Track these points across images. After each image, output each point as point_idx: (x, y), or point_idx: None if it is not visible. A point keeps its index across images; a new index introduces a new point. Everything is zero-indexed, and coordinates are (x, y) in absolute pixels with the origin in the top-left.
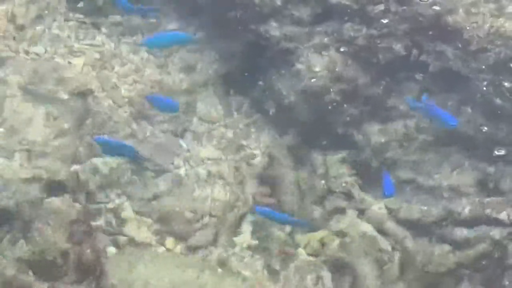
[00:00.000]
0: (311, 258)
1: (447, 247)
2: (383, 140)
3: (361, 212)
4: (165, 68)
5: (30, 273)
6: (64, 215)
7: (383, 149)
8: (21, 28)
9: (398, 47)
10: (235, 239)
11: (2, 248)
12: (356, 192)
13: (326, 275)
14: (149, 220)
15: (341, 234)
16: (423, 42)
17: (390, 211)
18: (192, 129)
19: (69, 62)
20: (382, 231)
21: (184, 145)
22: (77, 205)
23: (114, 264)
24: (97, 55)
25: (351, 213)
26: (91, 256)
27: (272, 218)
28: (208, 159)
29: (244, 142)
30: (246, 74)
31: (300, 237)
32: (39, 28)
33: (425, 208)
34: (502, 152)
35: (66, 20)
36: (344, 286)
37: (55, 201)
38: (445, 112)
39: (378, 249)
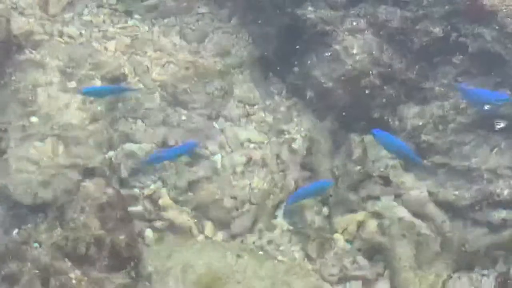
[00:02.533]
0: (348, 244)
1: (483, 229)
2: (420, 123)
3: (399, 196)
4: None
5: (66, 260)
6: (98, 202)
7: (419, 132)
8: (53, 15)
9: (436, 30)
10: (273, 221)
11: (37, 235)
12: (396, 174)
13: (363, 258)
14: (187, 208)
15: (378, 216)
16: (460, 25)
17: (430, 194)
18: (228, 113)
19: (105, 47)
20: (421, 215)
21: (219, 128)
22: (112, 190)
23: (151, 251)
24: (129, 40)
25: (388, 197)
26: (127, 243)
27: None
28: (249, 141)
29: (284, 127)
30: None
31: (338, 220)
32: (70, 14)
33: (461, 191)
34: (502, 125)
35: (99, 6)
36: (379, 268)
37: (90, 187)
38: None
39: (417, 232)
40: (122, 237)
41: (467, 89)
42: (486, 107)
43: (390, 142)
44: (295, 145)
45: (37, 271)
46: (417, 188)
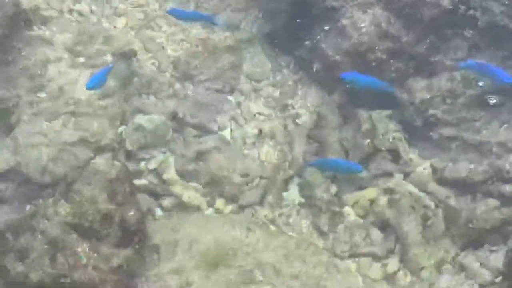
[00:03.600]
0: (359, 218)
1: (493, 203)
2: (427, 97)
3: (407, 174)
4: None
5: (74, 233)
6: (106, 176)
7: (427, 106)
8: None
9: (444, 2)
10: (284, 194)
11: (46, 210)
12: (403, 149)
13: (375, 232)
14: (195, 183)
15: (389, 191)
16: None
17: (435, 170)
18: (240, 87)
19: (114, 26)
20: (426, 192)
21: (232, 101)
22: (120, 165)
23: (158, 224)
24: (141, 15)
25: (398, 175)
26: (134, 217)
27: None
28: (259, 114)
29: (291, 101)
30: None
31: (349, 196)
32: None
33: (472, 166)
34: (494, 101)
35: None
36: (390, 242)
37: (99, 162)
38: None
39: (423, 205)
40: (131, 213)
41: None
42: (481, 83)
43: (361, 80)
44: (302, 119)
45: (46, 246)
46: (421, 165)
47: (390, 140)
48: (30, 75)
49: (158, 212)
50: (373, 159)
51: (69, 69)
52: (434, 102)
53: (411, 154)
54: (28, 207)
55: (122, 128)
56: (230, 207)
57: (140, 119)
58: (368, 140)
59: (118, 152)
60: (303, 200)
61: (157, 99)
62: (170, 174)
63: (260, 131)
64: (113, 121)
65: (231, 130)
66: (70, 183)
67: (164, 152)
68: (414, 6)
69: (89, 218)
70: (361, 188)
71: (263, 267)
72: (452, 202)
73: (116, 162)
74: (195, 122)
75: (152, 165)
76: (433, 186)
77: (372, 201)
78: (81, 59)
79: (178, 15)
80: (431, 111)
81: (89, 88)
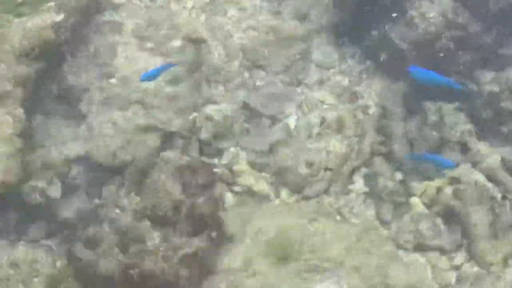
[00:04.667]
0: (426, 208)
1: None
2: (496, 90)
3: (475, 164)
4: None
5: (146, 221)
6: (178, 167)
7: (497, 99)
8: None
9: None
10: (350, 187)
11: (118, 199)
12: (473, 141)
13: (440, 222)
14: (264, 173)
15: (455, 181)
16: None
17: (504, 161)
18: (309, 77)
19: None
20: (494, 180)
21: (300, 91)
22: (192, 156)
23: (230, 215)
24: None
25: (466, 165)
26: (207, 208)
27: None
28: (324, 103)
29: (358, 90)
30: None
31: (416, 185)
32: None
33: None
34: None
35: None
36: (456, 233)
37: (169, 153)
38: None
39: (490, 197)
40: (204, 204)
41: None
42: None
43: (428, 76)
44: (369, 110)
45: (117, 236)
46: (491, 155)
47: (459, 133)
48: (100, 63)
49: (229, 200)
50: (441, 150)
51: (138, 54)
52: (503, 96)
53: (480, 145)
54: (98, 195)
55: (193, 116)
56: (294, 197)
57: (210, 109)
58: (434, 132)
59: (190, 142)
60: (367, 190)
61: (226, 90)
62: (241, 165)
63: (324, 120)
64: (182, 110)
65: (298, 119)
66: (140, 171)
67: (235, 146)
68: None
69: (162, 209)
70: (428, 178)
71: (328, 257)
72: None
73: (189, 156)
74: (265, 112)
75: (224, 158)
76: (502, 174)
77: (439, 191)
78: (149, 45)
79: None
80: (501, 104)
81: (142, 80)
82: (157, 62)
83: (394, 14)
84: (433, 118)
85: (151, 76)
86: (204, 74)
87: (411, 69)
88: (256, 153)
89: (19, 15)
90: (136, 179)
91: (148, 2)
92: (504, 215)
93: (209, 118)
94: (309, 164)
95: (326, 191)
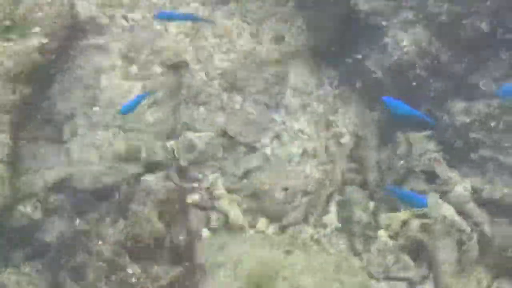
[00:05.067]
0: (392, 241)
1: None
2: (467, 120)
3: (444, 193)
4: (257, 37)
5: (126, 256)
6: (158, 195)
7: (467, 129)
8: None
9: (482, 25)
10: (324, 218)
11: (100, 229)
12: (442, 169)
13: (406, 255)
14: (240, 198)
15: (422, 215)
16: (507, 20)
17: (474, 191)
18: (285, 102)
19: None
20: (463, 213)
21: (277, 118)
22: (171, 183)
23: (206, 246)
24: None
25: (433, 194)
26: (184, 238)
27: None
28: (301, 132)
29: (333, 117)
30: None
31: (384, 217)
32: None
33: (508, 189)
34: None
35: None
36: (423, 268)
37: (150, 180)
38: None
39: (457, 229)
40: (181, 234)
41: None
42: None
43: (401, 108)
44: (343, 138)
45: (102, 264)
46: (461, 184)
47: (427, 161)
48: (84, 86)
49: (206, 231)
50: (408, 180)
51: (121, 80)
52: (473, 126)
53: (450, 173)
54: (78, 221)
55: (171, 143)
56: (272, 227)
57: (190, 136)
58: (402, 161)
59: (170, 169)
60: (340, 222)
61: (206, 114)
62: (220, 191)
63: (304, 150)
64: (163, 135)
65: (275, 147)
66: (123, 201)
67: (213, 172)
68: (453, 27)
69: (143, 239)
70: (397, 209)
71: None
72: (487, 227)
73: (168, 182)
74: (243, 139)
75: (203, 184)
76: (470, 207)
77: (406, 223)
78: (134, 68)
79: (167, 17)
80: (471, 135)
81: (123, 113)
82: (139, 86)
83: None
84: (403, 146)
85: (131, 107)
86: (185, 97)
87: (385, 99)
88: (233, 179)
89: (7, 39)
90: (115, 207)
91: (131, 23)
92: (471, 250)
93: (189, 144)
94: (285, 189)
95: (303, 220)
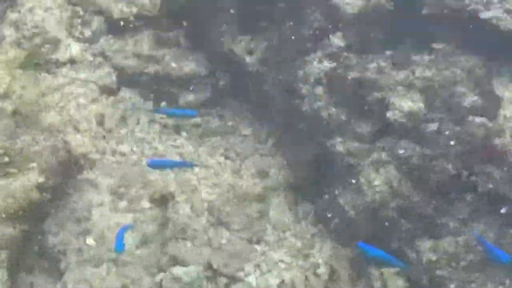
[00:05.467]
0: None
1: None
2: (434, 258)
3: None
4: (240, 172)
5: None
6: None
7: (434, 266)
8: (108, 130)
9: (449, 167)
10: None
11: None
12: None
13: None
14: None
15: None
16: (474, 164)
17: None
18: (266, 238)
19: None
20: None
21: (258, 250)
22: None
23: None
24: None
25: None
26: None
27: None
28: (282, 261)
29: (309, 252)
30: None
31: None
32: (124, 130)
33: None
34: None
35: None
36: None
37: None
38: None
39: None
40: None
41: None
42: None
43: (375, 254)
44: (319, 271)
45: None
46: None
47: None
48: (77, 220)
49: None
50: None
51: (112, 214)
52: (439, 264)
53: None
54: None
55: (160, 277)
56: None
57: (178, 270)
58: None
59: None
60: None
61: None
62: None
63: (283, 281)
64: (152, 269)
65: (256, 278)
66: None
67: None
68: (423, 169)
69: None
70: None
71: None
72: None
73: None
74: (226, 272)
75: None
76: None
77: None
78: (123, 203)
79: (159, 165)
80: (437, 272)
81: (119, 252)
82: (129, 218)
83: (343, 184)
84: (376, 283)
85: (119, 246)
86: (172, 232)
87: (360, 245)
88: None
89: (5, 175)
90: None
91: (120, 158)
92: None
93: (176, 279)
94: None
95: None
